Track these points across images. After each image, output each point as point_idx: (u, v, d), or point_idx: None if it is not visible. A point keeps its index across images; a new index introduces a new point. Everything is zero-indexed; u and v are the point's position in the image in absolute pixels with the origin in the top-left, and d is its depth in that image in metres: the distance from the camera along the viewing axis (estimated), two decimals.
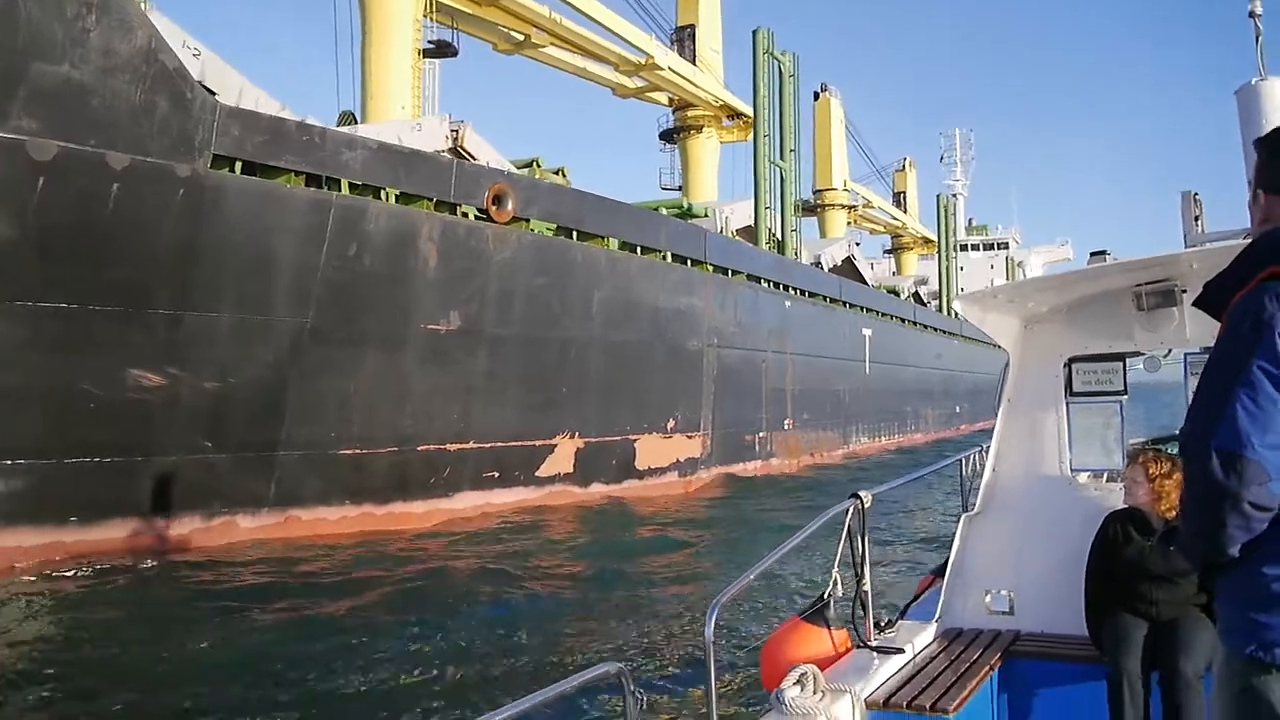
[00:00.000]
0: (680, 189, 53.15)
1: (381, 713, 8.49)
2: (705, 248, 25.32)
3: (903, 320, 44.95)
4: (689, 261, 24.93)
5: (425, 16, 34.13)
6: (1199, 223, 5.57)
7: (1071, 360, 5.63)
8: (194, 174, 14.25)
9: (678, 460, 23.86)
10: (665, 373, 23.29)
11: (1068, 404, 5.62)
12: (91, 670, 9.47)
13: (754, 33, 32.09)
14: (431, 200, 17.45)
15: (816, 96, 70.95)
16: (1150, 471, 5.01)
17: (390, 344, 16.99)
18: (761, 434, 28.02)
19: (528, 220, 19.35)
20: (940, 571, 5.97)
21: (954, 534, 5.74)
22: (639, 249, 22.89)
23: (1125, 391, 5.59)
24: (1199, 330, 5.10)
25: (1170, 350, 5.60)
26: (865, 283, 48.22)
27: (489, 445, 18.91)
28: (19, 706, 8.41)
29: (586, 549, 17.05)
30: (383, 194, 16.66)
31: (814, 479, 29.16)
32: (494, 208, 18.43)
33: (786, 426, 29.75)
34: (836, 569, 4.75)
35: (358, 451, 16.80)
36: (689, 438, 24.30)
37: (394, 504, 17.46)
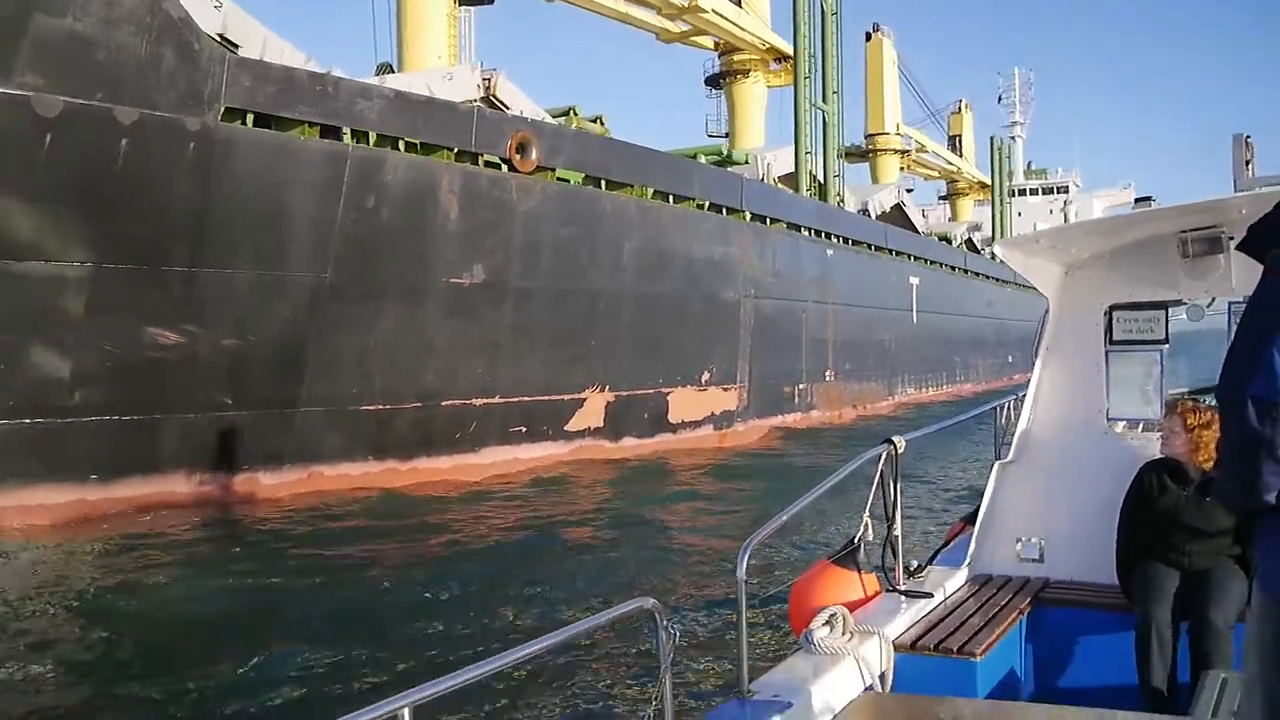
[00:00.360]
0: (727, 136, 52.24)
1: (429, 650, 8.69)
2: (742, 195, 24.71)
3: (953, 268, 43.93)
4: (725, 210, 24.35)
5: None
6: (1250, 167, 5.26)
7: (1113, 308, 5.52)
8: (204, 127, 14.00)
9: (713, 413, 23.47)
10: (700, 324, 22.84)
11: (1107, 352, 5.53)
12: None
13: None
14: (452, 150, 17.06)
15: (868, 37, 69.13)
16: (1189, 422, 4.95)
17: (411, 298, 16.74)
18: (801, 385, 27.50)
19: (553, 170, 18.90)
20: (971, 519, 5.95)
21: (987, 482, 5.71)
22: (671, 198, 22.36)
23: (1167, 340, 5.47)
24: (1245, 278, 4.87)
25: (1214, 299, 5.46)
26: (915, 229, 47.17)
27: (516, 400, 18.66)
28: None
29: (617, 501, 16.91)
30: (401, 144, 16.32)
31: (855, 429, 28.64)
32: (518, 157, 18.00)
33: (828, 378, 29.19)
34: (868, 514, 4.75)
35: (380, 407, 16.63)
36: (725, 390, 23.88)
37: (418, 459, 17.31)
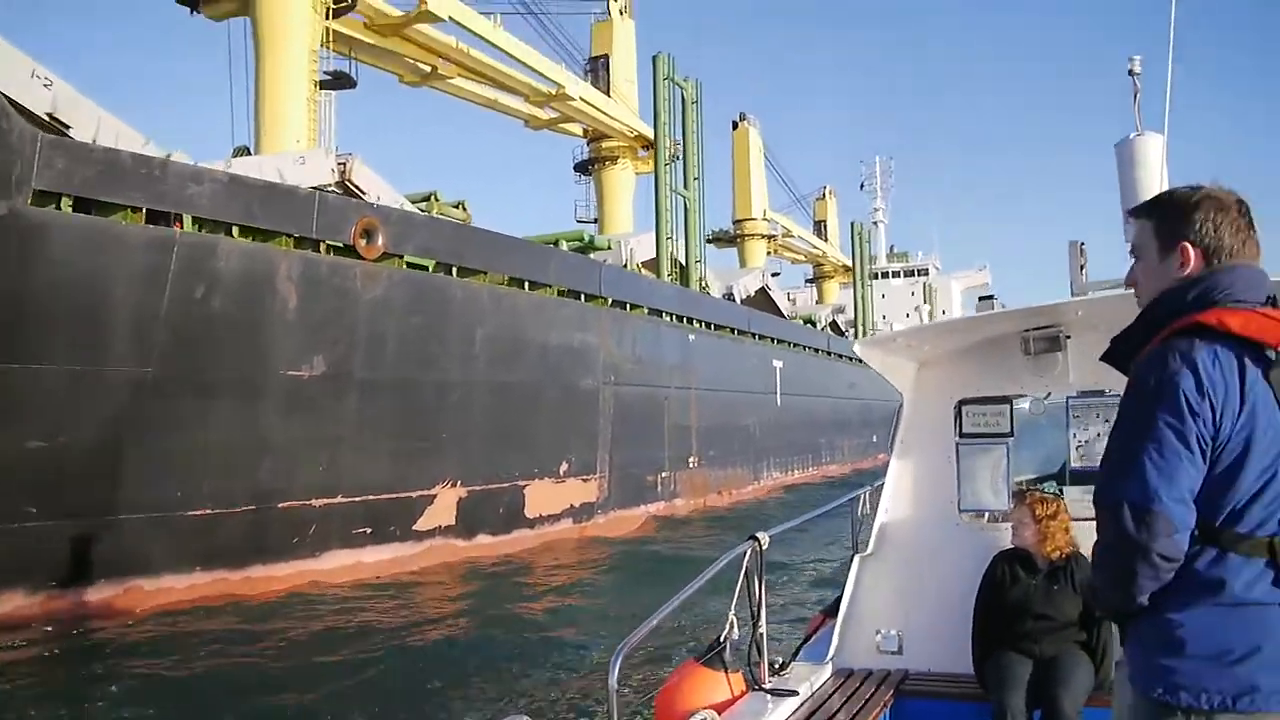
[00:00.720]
0: (596, 222, 52.31)
1: None
2: (600, 281, 24.38)
3: (816, 350, 44.50)
4: (583, 296, 23.98)
5: (323, 46, 32.93)
6: (1084, 271, 5.73)
7: (962, 403, 5.80)
8: (11, 212, 12.91)
9: (572, 506, 22.79)
10: (557, 413, 22.26)
11: (958, 445, 5.79)
12: None
13: (654, 58, 31.38)
14: (291, 236, 16.24)
15: (735, 126, 70.93)
16: (1037, 512, 5.12)
17: (246, 393, 15.71)
18: (665, 474, 27.07)
19: (401, 256, 18.21)
20: (831, 610, 6.07)
21: (846, 573, 5.90)
22: (527, 284, 21.88)
23: (1012, 433, 5.73)
24: (1082, 374, 5.41)
25: (1051, 394, 5.80)
26: (780, 313, 47.77)
27: (360, 499, 17.67)
28: None
29: (472, 603, 16.05)
30: (235, 230, 15.44)
31: (719, 518, 28.33)
32: (362, 243, 17.27)
33: (692, 465, 28.86)
34: (734, 611, 4.76)
35: (209, 512, 15.46)
36: (584, 481, 23.27)
37: (252, 567, 16.12)
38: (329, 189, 21.17)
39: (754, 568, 4.86)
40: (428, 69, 42.09)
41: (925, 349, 5.89)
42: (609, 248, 31.39)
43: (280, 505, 16.46)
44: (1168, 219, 2.46)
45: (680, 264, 33.81)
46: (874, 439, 50.28)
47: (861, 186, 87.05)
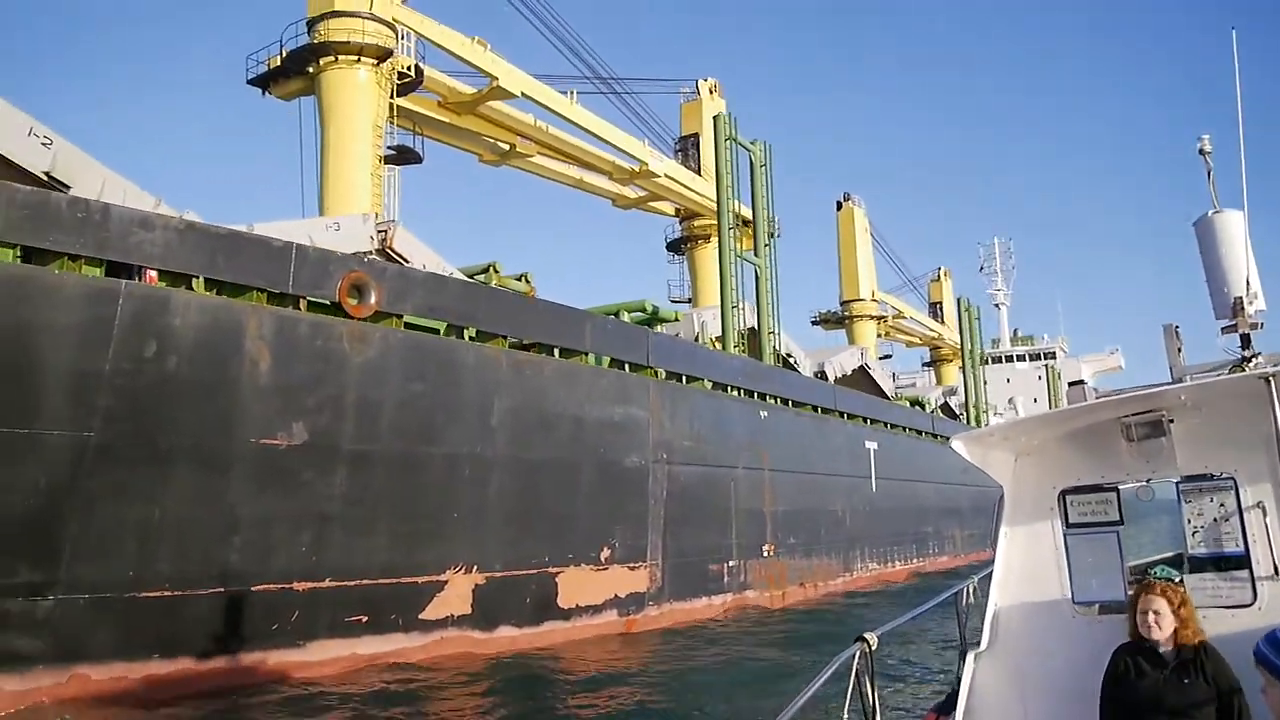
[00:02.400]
0: (690, 301, 50.97)
1: None
2: (649, 350, 22.37)
3: (920, 432, 41.31)
4: (629, 366, 22.02)
5: (390, 122, 32.68)
6: (1180, 354, 5.80)
7: (1065, 492, 5.75)
8: None
9: (616, 596, 20.50)
10: (596, 494, 20.15)
11: (1065, 536, 5.73)
12: None
13: (714, 118, 29.64)
14: (263, 292, 14.82)
15: (839, 206, 69.37)
16: (1171, 600, 4.79)
17: (210, 462, 14.17)
18: (732, 562, 24.53)
19: (400, 316, 16.62)
20: (944, 708, 5.86)
21: (957, 669, 5.86)
22: (558, 351, 20.06)
23: (1121, 521, 5.64)
24: (1189, 458, 5.36)
25: (1153, 479, 5.63)
26: (884, 393, 44.95)
27: (354, 583, 15.85)
28: None
29: (497, 706, 14.03)
30: (198, 284, 14.10)
31: (802, 613, 25.57)
32: (350, 301, 15.76)
33: (766, 553, 26.22)
34: (846, 717, 4.58)
35: (167, 593, 13.85)
36: (632, 569, 20.98)
37: (219, 658, 14.41)
38: (369, 255, 20.13)
39: (864, 669, 4.73)
40: (506, 147, 41.72)
41: (1022, 440, 5.90)
42: (676, 319, 29.48)
43: (255, 588, 14.76)
44: None
45: (748, 336, 31.59)
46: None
47: (981, 269, 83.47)
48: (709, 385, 25.03)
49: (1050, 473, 5.78)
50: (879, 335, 71.64)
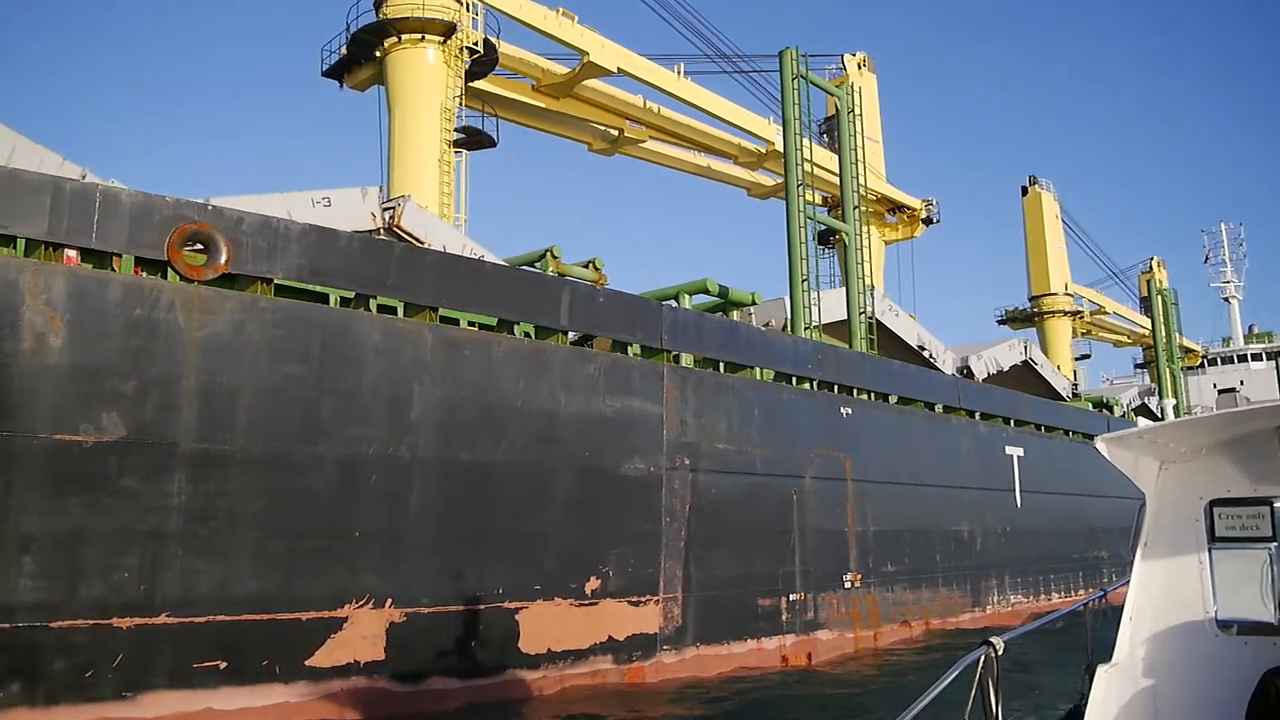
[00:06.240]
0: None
1: None
2: (663, 330, 17.99)
3: (1089, 437, 34.87)
4: (639, 349, 17.80)
5: (464, 106, 29.88)
6: None
7: (1213, 503, 5.60)
8: None
9: (611, 638, 16.30)
10: (577, 508, 16.04)
11: (1211, 550, 5.49)
12: None
13: (780, 53, 24.71)
14: (52, 246, 11.59)
15: (1025, 191, 62.47)
16: None
17: None
18: (794, 596, 19.80)
19: (268, 280, 13.07)
20: None
21: (1081, 685, 5.80)
22: (536, 330, 16.12)
23: (1275, 537, 5.34)
24: None
25: None
26: (1058, 393, 38.78)
27: (203, 619, 12.43)
28: None
29: None
30: None
31: (895, 661, 20.59)
32: (190, 260, 12.35)
33: (849, 584, 21.32)
34: None
35: None
36: (635, 604, 16.72)
37: (12, 711, 11.29)
38: (374, 233, 17.47)
39: (988, 675, 4.57)
40: (615, 133, 38.19)
41: (1170, 446, 5.75)
42: (754, 302, 24.89)
43: (52, 624, 11.55)
44: None
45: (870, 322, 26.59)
46: None
47: (1205, 259, 73.59)
48: (764, 375, 20.42)
49: (1198, 482, 5.63)
50: (1077, 334, 64.33)
